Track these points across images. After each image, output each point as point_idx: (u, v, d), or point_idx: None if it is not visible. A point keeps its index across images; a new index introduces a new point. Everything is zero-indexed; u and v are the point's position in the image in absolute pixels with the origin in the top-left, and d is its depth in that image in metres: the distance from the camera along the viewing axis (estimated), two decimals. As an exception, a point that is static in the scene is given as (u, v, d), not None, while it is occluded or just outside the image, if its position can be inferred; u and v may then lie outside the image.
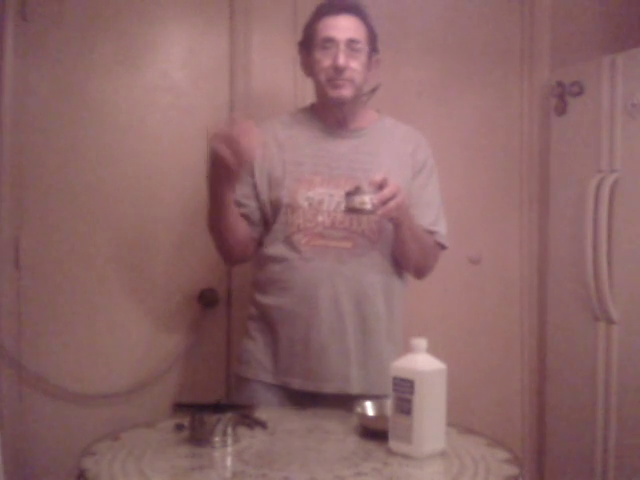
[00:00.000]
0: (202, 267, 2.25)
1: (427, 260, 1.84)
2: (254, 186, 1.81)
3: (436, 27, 2.64)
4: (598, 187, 2.41)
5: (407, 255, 1.78)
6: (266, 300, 1.80)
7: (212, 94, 2.36)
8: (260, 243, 1.84)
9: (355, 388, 1.75)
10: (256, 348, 1.82)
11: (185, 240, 2.27)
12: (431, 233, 1.82)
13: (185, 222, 2.28)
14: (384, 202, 1.57)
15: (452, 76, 2.66)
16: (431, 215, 1.83)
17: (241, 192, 1.80)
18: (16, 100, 2.14)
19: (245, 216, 1.81)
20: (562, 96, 2.60)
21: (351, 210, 1.59)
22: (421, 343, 1.41)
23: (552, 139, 2.69)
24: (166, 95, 2.31)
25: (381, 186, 1.58)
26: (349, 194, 1.58)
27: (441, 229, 1.85)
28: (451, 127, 2.66)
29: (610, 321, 2.39)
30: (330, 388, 1.74)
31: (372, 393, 1.73)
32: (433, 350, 1.42)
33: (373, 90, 1.89)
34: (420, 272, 1.86)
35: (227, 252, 1.85)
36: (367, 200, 1.56)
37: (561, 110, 2.62)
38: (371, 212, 1.58)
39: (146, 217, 2.29)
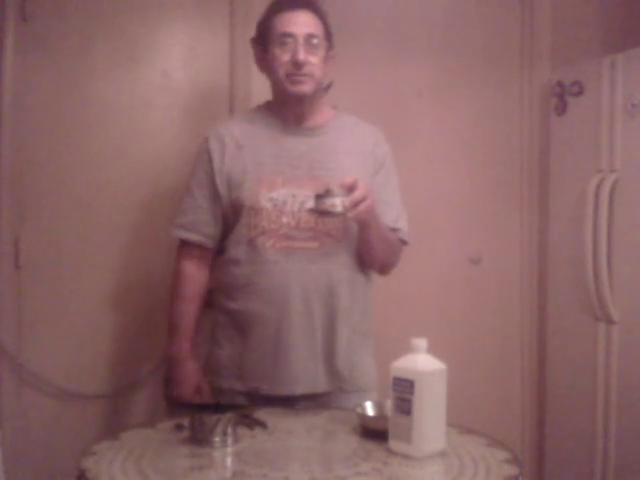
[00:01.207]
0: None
1: (391, 257, 1.85)
2: (213, 197, 1.78)
3: (436, 27, 2.64)
4: (598, 187, 2.41)
5: (373, 254, 1.78)
6: (234, 305, 1.78)
7: (212, 94, 2.36)
8: (220, 248, 1.82)
9: (322, 386, 1.74)
10: (224, 356, 1.79)
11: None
12: (393, 230, 1.82)
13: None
14: (355, 204, 1.57)
15: (452, 76, 2.66)
16: (393, 213, 1.83)
17: (197, 217, 1.80)
18: (16, 100, 2.14)
19: (199, 243, 1.82)
20: (562, 96, 2.60)
21: (321, 213, 1.59)
22: (421, 343, 1.40)
23: (552, 139, 2.69)
24: (166, 95, 2.31)
25: (351, 188, 1.58)
26: (319, 197, 1.57)
27: (403, 226, 1.85)
28: (451, 127, 2.66)
29: (610, 321, 2.39)
30: (299, 390, 1.72)
31: (343, 388, 1.75)
32: (433, 350, 1.42)
33: (327, 87, 1.87)
34: (385, 268, 1.86)
35: None
36: (338, 203, 1.56)
37: (561, 110, 2.62)
38: (341, 214, 1.58)
39: (146, 216, 2.29)
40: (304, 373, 1.72)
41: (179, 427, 1.50)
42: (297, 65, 1.71)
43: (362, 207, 1.59)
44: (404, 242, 1.87)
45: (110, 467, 1.30)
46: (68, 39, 2.20)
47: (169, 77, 2.32)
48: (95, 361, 2.23)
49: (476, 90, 2.70)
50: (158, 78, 2.31)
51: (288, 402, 1.73)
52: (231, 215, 1.77)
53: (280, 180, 1.74)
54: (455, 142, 2.66)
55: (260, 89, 2.34)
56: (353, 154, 1.81)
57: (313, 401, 1.73)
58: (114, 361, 2.25)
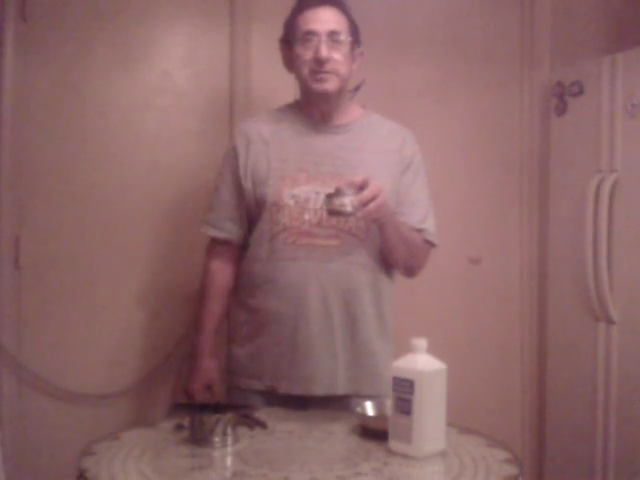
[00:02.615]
0: (202, 267, 2.25)
1: (416, 259, 1.82)
2: (238, 194, 1.80)
3: (436, 27, 2.64)
4: (598, 187, 2.41)
5: (394, 255, 1.76)
6: (253, 302, 1.78)
7: (212, 94, 2.36)
8: (245, 245, 1.83)
9: (342, 389, 1.73)
10: (242, 354, 1.80)
11: (185, 240, 2.27)
12: (419, 231, 1.80)
13: (185, 221, 2.28)
14: (364, 203, 1.56)
15: (452, 76, 2.66)
16: (419, 213, 1.81)
17: (223, 214, 1.82)
18: (16, 100, 2.14)
19: (225, 240, 1.83)
20: (562, 96, 2.61)
21: (331, 212, 1.58)
22: (421, 343, 1.40)
23: (552, 139, 2.69)
24: (166, 95, 2.31)
25: (361, 187, 1.57)
26: (329, 196, 1.57)
27: (429, 227, 1.82)
28: (451, 127, 2.66)
29: (610, 321, 2.39)
30: (318, 390, 1.72)
31: (362, 393, 1.72)
32: (433, 350, 1.42)
33: (358, 86, 1.87)
34: (410, 271, 1.84)
35: None
36: (347, 202, 1.55)
37: (561, 110, 2.62)
38: (351, 214, 1.57)
39: (146, 217, 2.29)
40: (322, 373, 1.71)
41: (179, 427, 1.50)
42: (319, 62, 1.70)
43: (372, 206, 1.57)
44: (431, 244, 1.84)
45: (110, 467, 1.30)
46: (68, 39, 2.19)
47: (169, 77, 2.32)
48: (95, 361, 2.23)
49: (476, 90, 2.70)
50: (158, 78, 2.31)
51: (305, 402, 1.72)
52: (255, 212, 1.78)
53: (304, 177, 1.73)
54: (455, 142, 2.66)
55: (260, 89, 2.36)
56: (379, 153, 1.79)
57: (331, 403, 1.71)
58: (114, 361, 2.25)
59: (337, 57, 1.72)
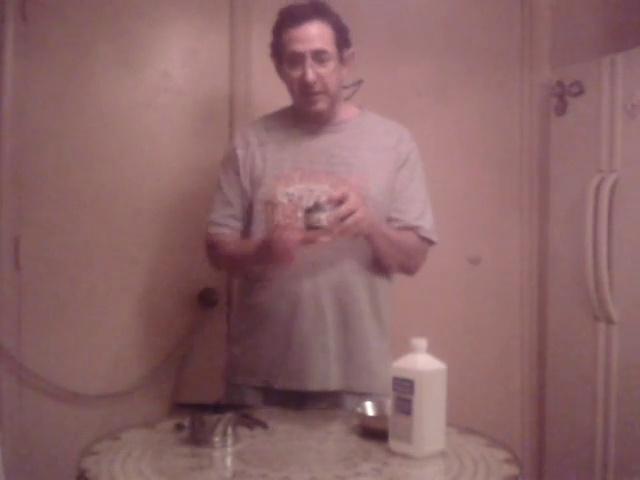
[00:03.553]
0: (202, 267, 2.24)
1: (412, 260, 1.82)
2: (235, 193, 1.82)
3: (436, 27, 2.64)
4: (598, 187, 2.40)
5: (387, 260, 1.77)
6: (250, 299, 1.80)
7: (212, 94, 2.36)
8: None
9: (334, 385, 1.74)
10: (240, 351, 1.82)
11: (185, 240, 2.27)
12: (415, 228, 1.80)
13: (185, 222, 2.28)
14: (341, 219, 1.54)
15: (452, 76, 2.66)
16: (415, 210, 1.81)
17: (227, 212, 1.83)
18: (16, 100, 2.15)
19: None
20: (562, 96, 2.60)
21: (309, 227, 1.55)
22: (421, 343, 1.40)
23: (552, 139, 2.69)
24: (166, 95, 2.31)
25: (340, 202, 1.55)
26: (308, 210, 1.55)
27: (426, 224, 1.81)
28: (451, 127, 2.66)
29: (610, 321, 2.39)
30: (311, 385, 1.73)
31: (355, 390, 1.73)
32: (433, 350, 1.42)
33: (356, 84, 1.87)
34: (407, 270, 1.84)
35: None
36: (323, 218, 1.52)
37: (561, 110, 2.62)
38: (328, 230, 1.54)
39: (146, 217, 2.29)
40: (315, 369, 1.72)
41: (179, 427, 1.50)
42: (307, 86, 1.71)
43: (349, 222, 1.55)
44: (429, 241, 1.83)
45: (110, 467, 1.30)
46: (68, 39, 2.20)
47: (169, 77, 2.32)
48: (95, 361, 2.23)
49: (476, 90, 2.70)
50: (158, 78, 2.31)
51: (300, 398, 1.74)
52: (253, 212, 1.80)
53: (298, 175, 1.75)
54: (455, 142, 2.66)
55: (260, 89, 2.35)
56: (374, 150, 1.80)
57: (325, 399, 1.73)
58: (114, 361, 2.26)
59: (324, 73, 1.71)
